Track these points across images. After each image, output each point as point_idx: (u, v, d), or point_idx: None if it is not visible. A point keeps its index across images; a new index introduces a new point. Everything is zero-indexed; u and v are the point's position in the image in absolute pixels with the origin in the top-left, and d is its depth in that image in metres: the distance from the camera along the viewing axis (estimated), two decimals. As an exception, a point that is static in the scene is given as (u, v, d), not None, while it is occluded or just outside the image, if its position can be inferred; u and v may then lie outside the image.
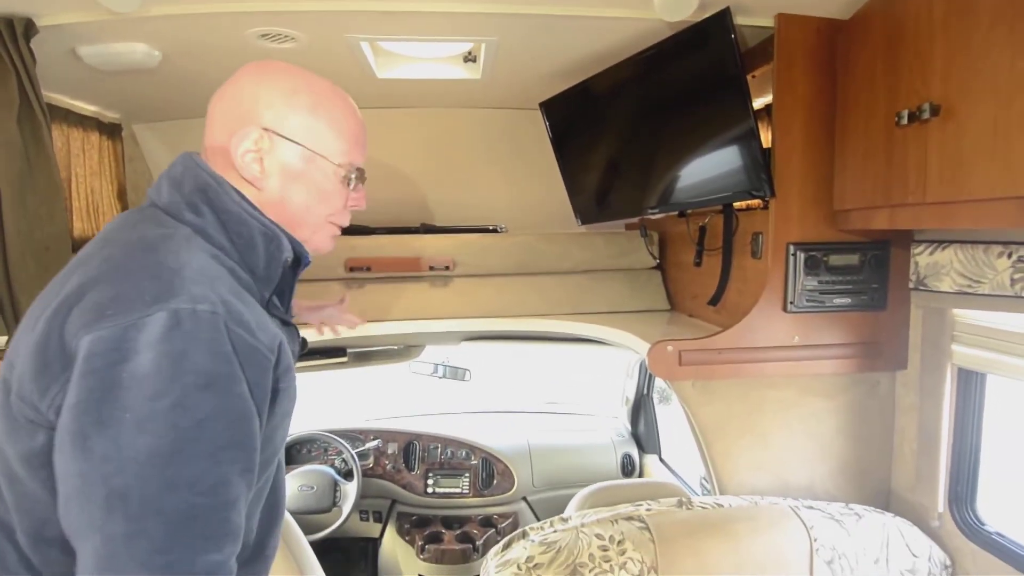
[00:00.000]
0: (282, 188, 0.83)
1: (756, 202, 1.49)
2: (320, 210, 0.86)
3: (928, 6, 0.98)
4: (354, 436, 2.39)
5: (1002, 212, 0.84)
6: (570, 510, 1.41)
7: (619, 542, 1.22)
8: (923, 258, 1.27)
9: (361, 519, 2.36)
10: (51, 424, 0.64)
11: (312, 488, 2.11)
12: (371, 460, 2.38)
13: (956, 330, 1.27)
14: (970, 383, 1.29)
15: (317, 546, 1.53)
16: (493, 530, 2.30)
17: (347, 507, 2.12)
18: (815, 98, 1.31)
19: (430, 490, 2.34)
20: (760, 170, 1.30)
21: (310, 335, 1.45)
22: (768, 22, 1.31)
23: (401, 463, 2.39)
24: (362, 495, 2.22)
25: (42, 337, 0.66)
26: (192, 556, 0.63)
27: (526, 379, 3.53)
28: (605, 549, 1.21)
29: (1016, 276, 1.07)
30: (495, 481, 2.35)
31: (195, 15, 1.23)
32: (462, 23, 1.33)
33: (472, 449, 2.39)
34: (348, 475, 2.21)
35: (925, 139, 0.97)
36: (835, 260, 1.36)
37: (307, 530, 1.53)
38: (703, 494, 1.80)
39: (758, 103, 1.50)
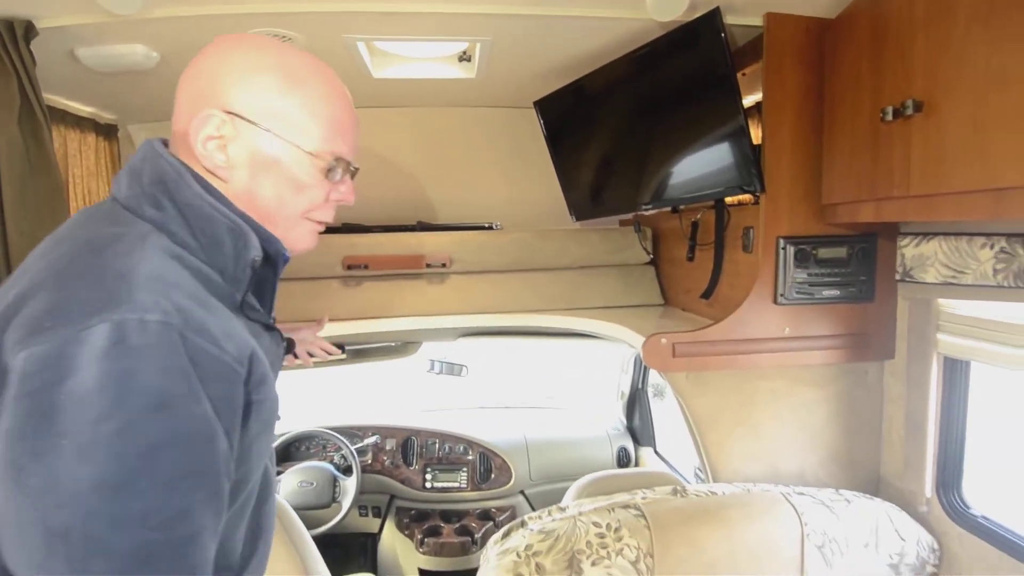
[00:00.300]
0: (250, 180, 0.73)
1: (747, 197, 1.52)
2: (295, 205, 0.77)
3: (910, 5, 1.01)
4: (352, 433, 2.41)
5: (980, 204, 0.87)
6: (567, 500, 1.44)
7: (616, 529, 1.25)
8: (909, 250, 1.31)
9: (360, 514, 2.38)
10: None
11: (312, 484, 2.13)
12: (369, 456, 2.41)
13: (941, 320, 1.30)
14: (955, 371, 1.33)
15: (317, 541, 1.55)
16: (491, 523, 2.33)
17: (346, 502, 2.14)
18: (804, 95, 1.34)
19: (428, 485, 2.37)
20: (750, 166, 1.33)
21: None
22: (757, 21, 1.34)
23: (399, 459, 2.41)
24: (361, 490, 2.24)
25: None
26: None
27: (523, 375, 3.56)
28: (602, 536, 1.24)
29: (998, 266, 1.10)
30: (493, 475, 2.38)
31: (195, 17, 1.25)
32: (456, 23, 1.35)
33: (470, 444, 2.42)
34: (347, 471, 2.23)
35: (909, 134, 1.00)
36: (824, 253, 1.39)
37: (307, 525, 1.55)
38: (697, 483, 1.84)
39: (749, 100, 1.54)
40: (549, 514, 1.33)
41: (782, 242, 1.38)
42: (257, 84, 0.71)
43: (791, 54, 1.33)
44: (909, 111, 0.96)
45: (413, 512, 2.36)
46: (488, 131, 2.05)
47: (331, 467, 2.21)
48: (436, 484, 2.37)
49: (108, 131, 1.94)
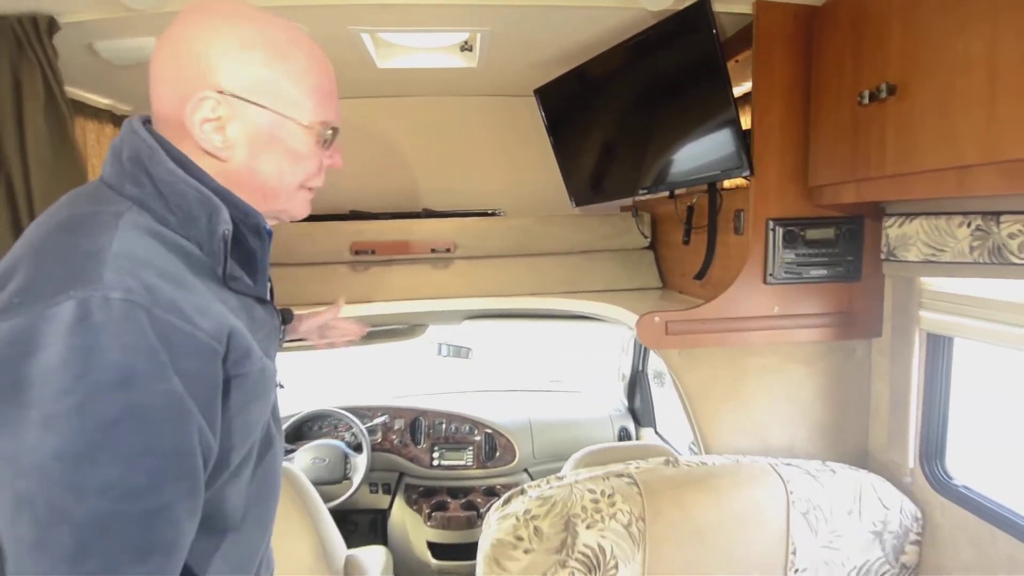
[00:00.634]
0: (250, 157, 0.74)
1: (741, 181, 1.57)
2: (294, 177, 0.78)
3: (888, -8, 1.06)
4: (363, 413, 2.50)
5: (947, 181, 0.92)
6: (566, 470, 1.51)
7: (609, 495, 1.32)
8: (893, 230, 1.35)
9: (371, 491, 2.48)
10: None
11: (324, 460, 2.22)
12: (379, 435, 2.50)
13: (923, 297, 1.35)
14: (938, 347, 1.38)
15: (331, 516, 1.63)
16: (496, 498, 2.41)
17: (357, 478, 2.23)
18: (792, 81, 1.39)
19: (436, 463, 2.46)
20: (740, 150, 1.38)
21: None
22: (747, 9, 1.38)
23: (408, 438, 2.50)
24: (371, 468, 2.33)
25: None
26: (105, 570, 0.58)
27: (527, 359, 3.64)
28: (596, 502, 1.31)
29: (974, 244, 1.15)
30: (498, 454, 2.45)
31: None
32: (457, 14, 1.40)
33: (475, 424, 2.50)
34: (358, 448, 2.32)
35: (884, 117, 1.05)
36: (812, 234, 1.44)
37: (322, 499, 1.64)
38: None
39: (742, 87, 1.58)
40: (548, 482, 1.40)
41: (771, 224, 1.44)
42: (245, 60, 0.71)
43: (780, 41, 1.37)
44: (883, 94, 1.01)
45: (421, 489, 2.45)
46: (490, 119, 2.11)
47: (342, 445, 2.31)
48: (443, 462, 2.45)
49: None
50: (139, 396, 0.59)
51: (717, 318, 1.47)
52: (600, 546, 1.28)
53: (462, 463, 2.45)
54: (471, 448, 2.46)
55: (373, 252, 1.99)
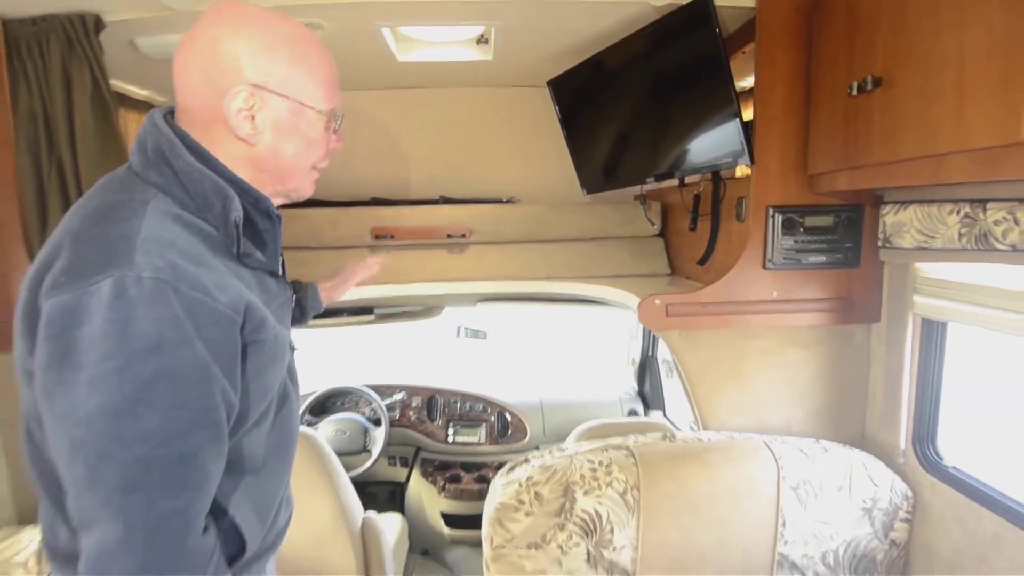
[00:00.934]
0: (274, 142, 0.84)
1: (744, 170, 1.62)
2: (308, 159, 0.89)
3: (879, -11, 1.10)
4: (382, 390, 2.62)
5: (925, 169, 0.97)
6: (568, 443, 1.60)
7: (607, 465, 1.40)
8: (889, 217, 1.39)
9: (389, 464, 2.61)
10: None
11: (345, 433, 2.36)
12: (397, 412, 2.62)
13: (917, 283, 1.39)
14: (932, 331, 1.42)
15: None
16: None
17: (376, 450, 2.36)
18: (793, 72, 1.43)
19: (451, 439, 2.57)
20: (742, 140, 1.43)
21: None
22: (751, 3, 1.43)
23: (424, 414, 2.62)
24: (389, 443, 2.45)
25: (25, 302, 0.73)
26: (148, 502, 0.68)
27: (540, 343, 3.73)
28: (594, 471, 1.40)
29: (963, 231, 1.19)
30: (510, 432, 2.56)
31: None
32: (474, 9, 1.48)
33: (489, 403, 2.60)
34: (377, 423, 2.45)
35: (870, 108, 1.10)
36: (811, 221, 1.49)
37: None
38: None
39: (750, 78, 1.62)
40: (550, 453, 1.49)
41: (771, 211, 1.49)
42: (271, 59, 0.81)
43: (781, 34, 1.41)
44: (869, 86, 1.06)
45: (436, 463, 2.57)
46: (505, 110, 2.18)
47: (363, 419, 2.43)
48: (458, 439, 2.56)
49: (162, 112, 2.15)
50: (170, 360, 0.69)
51: (716, 302, 1.53)
52: (597, 512, 1.37)
53: (476, 440, 2.56)
54: (484, 426, 2.57)
55: (392, 237, 2.09)
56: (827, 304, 1.54)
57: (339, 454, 2.31)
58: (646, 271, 2.13)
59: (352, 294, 2.01)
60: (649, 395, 2.71)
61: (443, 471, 2.52)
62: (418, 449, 2.63)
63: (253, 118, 0.81)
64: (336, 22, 1.51)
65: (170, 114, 0.84)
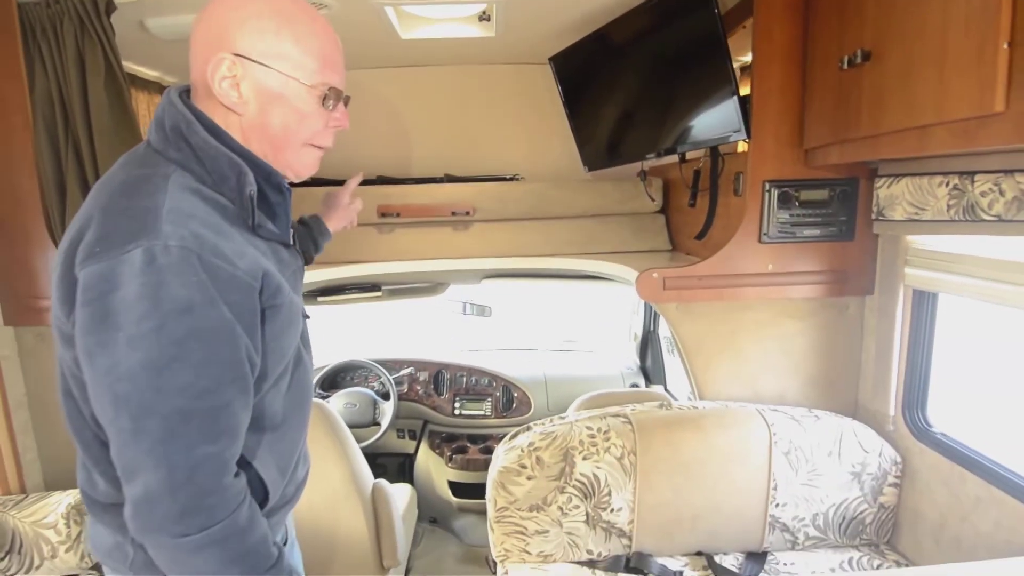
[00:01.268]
0: (260, 112, 0.85)
1: (743, 145, 1.64)
2: (300, 132, 0.88)
3: (869, -38, 1.11)
4: (391, 365, 2.69)
5: (909, 141, 1.00)
6: (569, 412, 1.66)
7: (605, 432, 1.46)
8: (883, 191, 1.42)
9: (398, 436, 2.69)
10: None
11: (355, 406, 2.44)
12: (405, 386, 2.69)
13: (909, 255, 1.43)
14: (922, 302, 1.45)
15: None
16: None
17: (385, 422, 2.44)
18: (790, 48, 1.44)
19: (457, 412, 2.64)
20: (739, 115, 1.45)
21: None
22: (749, -23, 1.44)
23: (431, 388, 2.69)
24: (397, 416, 2.53)
25: (62, 270, 0.78)
26: (187, 448, 0.75)
27: (543, 319, 3.78)
28: (593, 437, 1.46)
29: (951, 202, 1.22)
30: (514, 405, 2.62)
31: None
32: None
33: (494, 378, 2.67)
34: (385, 396, 2.52)
35: (860, 82, 1.12)
36: (806, 195, 1.52)
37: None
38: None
39: (747, 54, 1.64)
40: (551, 421, 1.56)
41: (767, 185, 1.51)
42: (258, 28, 0.82)
43: (779, 8, 1.42)
44: (858, 60, 1.08)
45: (444, 435, 2.65)
46: (508, 87, 2.20)
47: (372, 393, 2.51)
48: (464, 412, 2.64)
49: (171, 93, 2.19)
50: (200, 320, 0.74)
51: (713, 275, 1.57)
52: (595, 475, 1.43)
53: (481, 413, 2.63)
54: (490, 399, 2.64)
55: (398, 215, 2.13)
56: (822, 277, 1.58)
57: (350, 426, 2.39)
58: (647, 247, 2.16)
59: (359, 271, 2.07)
60: (651, 369, 2.76)
61: (450, 443, 2.60)
62: (425, 422, 2.71)
63: (238, 87, 0.83)
64: (342, 1, 1.54)
65: (186, 93, 0.88)
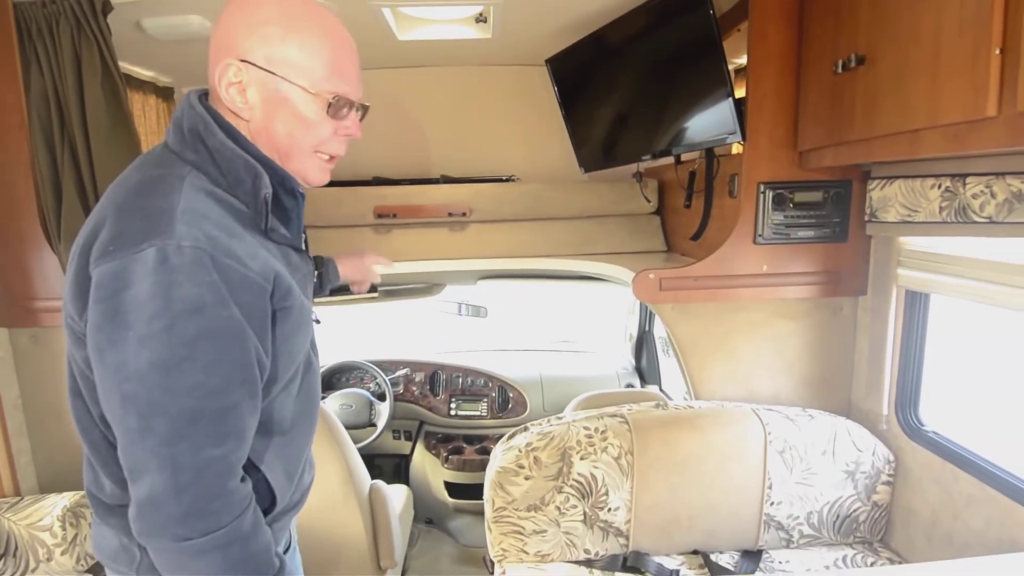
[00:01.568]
0: (266, 118, 0.84)
1: (738, 147, 1.66)
2: (306, 140, 0.87)
3: (862, -33, 1.13)
4: (386, 366, 2.69)
5: (902, 144, 1.02)
6: (566, 412, 1.67)
7: (602, 432, 1.47)
8: (875, 193, 1.44)
9: (394, 437, 2.69)
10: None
11: (351, 407, 2.44)
12: (401, 387, 2.69)
13: (902, 256, 1.44)
14: (915, 303, 1.47)
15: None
16: None
17: (381, 423, 2.44)
18: (785, 51, 1.46)
19: (453, 413, 2.64)
20: (735, 118, 1.47)
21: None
22: (744, -19, 1.46)
23: (427, 389, 2.69)
24: (393, 416, 2.53)
25: (76, 268, 0.78)
26: (194, 449, 0.74)
27: (540, 322, 3.79)
28: (590, 437, 1.46)
29: (943, 204, 1.24)
30: (510, 406, 2.63)
31: None
32: None
33: (490, 378, 2.67)
34: (381, 397, 2.52)
35: (854, 85, 1.14)
36: (800, 197, 1.54)
37: None
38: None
39: (742, 56, 1.66)
40: (548, 421, 1.56)
41: (761, 187, 1.53)
42: (263, 33, 0.82)
43: (773, 12, 1.44)
44: (853, 64, 1.10)
45: (440, 435, 2.65)
46: (505, 88, 2.21)
47: (368, 394, 2.51)
48: (460, 412, 2.64)
49: (165, 93, 2.18)
50: (210, 320, 0.74)
51: (708, 275, 1.59)
52: (592, 475, 1.44)
53: (477, 413, 2.63)
54: (485, 400, 2.64)
55: (395, 215, 2.13)
56: (815, 277, 1.60)
57: (347, 427, 2.39)
58: (643, 248, 2.17)
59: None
60: (646, 370, 2.78)
61: (446, 443, 2.61)
62: (421, 423, 2.71)
63: (244, 92, 0.83)
64: (339, 3, 1.54)
65: (205, 95, 0.88)
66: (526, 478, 1.45)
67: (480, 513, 1.66)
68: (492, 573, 1.53)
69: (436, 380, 2.70)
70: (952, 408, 1.70)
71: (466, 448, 2.58)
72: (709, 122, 1.55)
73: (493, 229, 2.16)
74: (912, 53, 0.96)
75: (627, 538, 1.48)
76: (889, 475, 1.52)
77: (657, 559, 1.47)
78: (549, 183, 2.17)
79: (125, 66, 1.93)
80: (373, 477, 1.89)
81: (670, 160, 1.95)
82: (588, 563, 1.49)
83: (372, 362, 2.64)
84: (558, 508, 1.46)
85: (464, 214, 2.14)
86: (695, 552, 1.51)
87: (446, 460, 2.53)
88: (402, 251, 2.11)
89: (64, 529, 1.41)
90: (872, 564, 1.47)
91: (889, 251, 1.47)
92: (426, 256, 2.11)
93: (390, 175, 2.22)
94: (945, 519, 1.37)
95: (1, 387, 1.52)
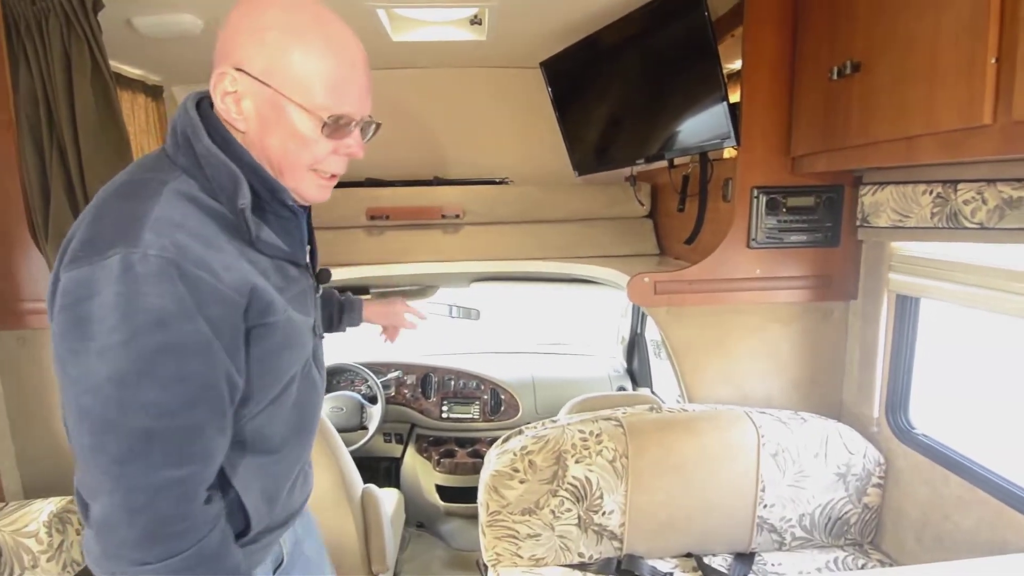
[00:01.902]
0: (260, 131, 0.80)
1: (733, 151, 1.67)
2: (301, 157, 0.82)
3: (858, -26, 1.14)
4: (378, 368, 2.67)
5: (898, 150, 1.03)
6: (560, 415, 1.66)
7: (597, 435, 1.47)
8: (867, 198, 1.45)
9: (385, 440, 2.67)
10: None
11: (342, 409, 2.42)
12: (393, 389, 2.67)
13: (893, 261, 1.46)
14: (905, 307, 1.49)
15: None
16: None
17: (372, 426, 2.42)
18: (779, 56, 1.47)
19: (445, 416, 2.63)
20: (729, 122, 1.48)
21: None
22: (739, -13, 1.47)
23: (419, 392, 2.68)
24: (385, 419, 2.51)
25: (53, 274, 0.75)
26: (148, 470, 0.71)
27: (532, 324, 3.79)
28: (585, 440, 1.46)
29: (935, 210, 1.25)
30: (502, 408, 2.63)
31: None
32: None
33: (482, 381, 2.67)
34: (373, 400, 2.51)
35: (849, 92, 1.15)
36: (793, 202, 1.55)
37: None
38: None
39: (736, 61, 1.67)
40: (543, 425, 1.56)
41: (755, 191, 1.54)
42: (262, 43, 0.76)
43: (768, 17, 1.46)
44: (848, 71, 1.11)
45: (431, 438, 2.63)
46: (499, 91, 2.21)
47: (359, 396, 2.49)
48: (452, 415, 2.63)
49: (155, 92, 2.15)
50: (173, 334, 0.70)
51: (702, 279, 1.60)
52: (587, 478, 1.44)
53: (469, 416, 2.63)
54: (478, 403, 2.64)
55: (387, 217, 2.12)
56: (808, 282, 1.61)
57: (338, 430, 2.37)
58: (635, 251, 2.18)
59: (348, 273, 2.05)
60: (637, 372, 2.79)
61: (438, 446, 2.60)
62: (413, 426, 2.70)
63: (239, 103, 0.79)
64: (333, 2, 1.53)
65: (205, 98, 0.85)
66: (521, 482, 1.45)
67: (472, 517, 1.64)
68: None
69: (428, 383, 2.69)
70: (943, 412, 1.72)
71: (458, 451, 2.57)
72: (703, 126, 1.56)
73: (486, 231, 2.16)
74: (908, 60, 0.98)
75: (621, 541, 1.48)
76: (880, 477, 1.54)
77: (651, 562, 1.47)
78: (543, 186, 2.17)
79: (114, 64, 1.90)
80: (366, 479, 1.88)
81: (663, 164, 1.96)
82: (582, 567, 1.49)
83: (363, 364, 2.62)
84: (553, 512, 1.46)
85: (457, 216, 2.13)
86: (688, 555, 1.51)
87: (438, 463, 2.52)
88: (395, 253, 2.10)
89: (50, 535, 1.38)
90: (863, 566, 1.49)
91: (880, 256, 1.48)
92: (419, 258, 2.10)
93: (383, 176, 2.21)
94: (935, 521, 1.39)
95: (-14, 390, 1.49)
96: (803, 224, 1.56)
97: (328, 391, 2.59)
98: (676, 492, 1.46)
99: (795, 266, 1.60)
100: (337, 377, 2.68)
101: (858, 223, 1.50)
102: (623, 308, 2.82)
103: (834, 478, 1.51)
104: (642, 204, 2.16)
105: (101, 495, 0.72)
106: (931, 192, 1.26)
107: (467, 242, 2.15)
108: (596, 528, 1.47)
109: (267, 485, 0.90)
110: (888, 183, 1.38)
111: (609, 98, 1.90)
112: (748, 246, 1.57)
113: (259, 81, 0.78)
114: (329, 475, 1.64)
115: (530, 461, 1.45)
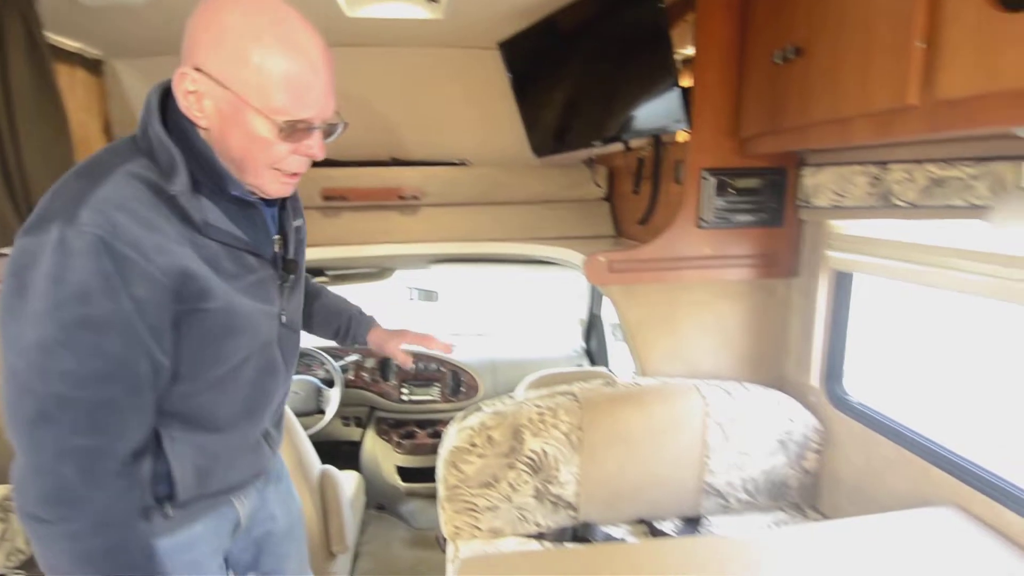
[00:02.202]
0: (221, 130, 0.82)
1: (685, 134, 1.72)
2: (259, 157, 0.84)
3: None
4: (336, 352, 2.65)
5: (833, 132, 1.09)
6: (518, 391, 1.70)
7: (553, 410, 1.51)
8: (808, 179, 1.53)
9: (344, 424, 2.66)
10: None
11: (299, 393, 2.40)
12: (351, 373, 2.66)
13: (831, 239, 1.54)
14: (842, 283, 1.58)
15: None
16: None
17: (330, 411, 2.41)
18: (729, 42, 1.52)
19: (405, 398, 2.64)
20: (682, 106, 1.52)
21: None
22: (692, -28, 1.51)
23: (378, 375, 2.67)
24: (343, 403, 2.50)
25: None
26: (57, 435, 0.75)
27: (492, 306, 3.82)
28: (542, 415, 1.50)
29: (870, 190, 1.33)
30: (463, 389, 2.65)
31: None
32: None
33: (442, 363, 2.68)
34: (330, 384, 2.49)
35: (791, 75, 1.21)
36: (740, 183, 1.61)
37: None
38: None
39: (690, 46, 1.71)
40: (501, 401, 1.59)
41: (705, 173, 1.60)
42: (221, 45, 0.78)
43: (719, 3, 1.50)
44: (791, 55, 1.16)
45: (391, 421, 2.64)
46: (457, 71, 2.19)
47: (316, 380, 2.47)
48: (412, 397, 2.64)
49: (94, 66, 2.05)
50: (93, 309, 0.74)
51: (654, 258, 1.65)
52: (544, 451, 1.48)
53: (429, 398, 2.64)
54: (438, 384, 2.65)
55: (344, 198, 2.10)
56: (753, 260, 1.68)
57: (295, 414, 2.35)
58: (593, 233, 2.23)
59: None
60: (595, 352, 2.85)
61: (398, 428, 2.61)
62: (372, 409, 2.69)
63: (201, 102, 0.81)
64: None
65: (169, 88, 0.86)
66: (479, 456, 1.48)
67: (432, 496, 1.66)
68: (444, 551, 1.55)
69: (387, 366, 2.68)
70: (878, 380, 1.83)
71: (418, 432, 2.59)
72: (657, 110, 1.60)
73: (445, 213, 2.16)
74: (843, 44, 1.03)
75: (576, 510, 1.53)
76: (818, 443, 1.63)
77: (604, 528, 1.53)
78: (502, 167, 2.18)
79: (50, 36, 1.81)
80: (325, 462, 1.88)
81: (620, 146, 2.00)
82: (539, 536, 1.53)
83: (321, 348, 2.60)
84: (510, 484, 1.50)
85: (415, 197, 2.12)
86: (640, 521, 1.58)
87: (398, 445, 2.54)
88: (352, 235, 2.08)
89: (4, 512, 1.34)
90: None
91: (819, 235, 1.56)
92: (376, 240, 2.09)
93: (338, 157, 2.18)
94: (867, 482, 1.49)
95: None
96: (750, 205, 1.63)
97: None
98: (628, 462, 1.51)
99: (742, 245, 1.66)
100: (294, 361, 2.65)
101: (800, 203, 1.58)
102: (581, 290, 2.87)
103: (776, 444, 1.60)
104: (599, 186, 2.20)
105: (19, 452, 0.78)
106: (866, 173, 1.34)
107: (426, 224, 2.14)
108: (552, 499, 1.52)
109: (202, 462, 0.93)
110: (827, 164, 1.46)
111: (566, 80, 1.92)
112: (698, 226, 1.63)
113: (218, 83, 0.79)
114: (285, 455, 1.62)
115: (488, 436, 1.48)
